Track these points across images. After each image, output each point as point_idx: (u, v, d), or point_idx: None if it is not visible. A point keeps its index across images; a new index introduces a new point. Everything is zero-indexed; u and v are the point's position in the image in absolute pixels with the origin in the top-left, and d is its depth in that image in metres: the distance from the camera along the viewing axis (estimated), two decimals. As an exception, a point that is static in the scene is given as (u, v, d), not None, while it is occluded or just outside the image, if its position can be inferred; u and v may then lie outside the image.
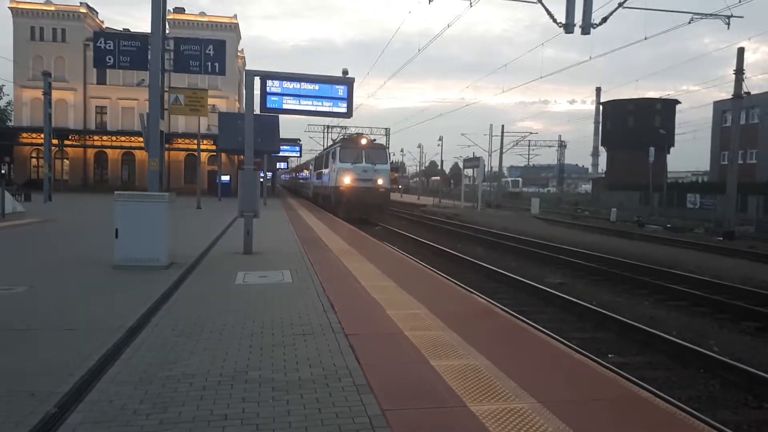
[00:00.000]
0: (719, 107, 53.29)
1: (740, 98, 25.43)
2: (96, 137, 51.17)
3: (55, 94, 37.88)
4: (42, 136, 31.55)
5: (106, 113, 54.96)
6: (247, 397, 3.89)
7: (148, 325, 5.68)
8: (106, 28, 56.26)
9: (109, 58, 19.89)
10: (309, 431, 3.40)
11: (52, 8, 53.09)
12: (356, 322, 6.01)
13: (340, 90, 11.77)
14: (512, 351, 5.16)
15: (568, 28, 14.22)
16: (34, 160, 50.66)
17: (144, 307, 6.39)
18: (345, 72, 12.10)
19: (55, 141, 37.90)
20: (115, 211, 9.11)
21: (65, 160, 51.22)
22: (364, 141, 26.55)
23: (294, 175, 68.99)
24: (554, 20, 14.48)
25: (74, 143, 50.14)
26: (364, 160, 25.47)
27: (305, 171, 51.31)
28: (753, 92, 29.37)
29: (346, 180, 25.08)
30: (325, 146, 74.96)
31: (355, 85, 11.94)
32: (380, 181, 25.62)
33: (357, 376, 4.32)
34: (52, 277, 8.40)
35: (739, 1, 15.47)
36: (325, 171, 29.29)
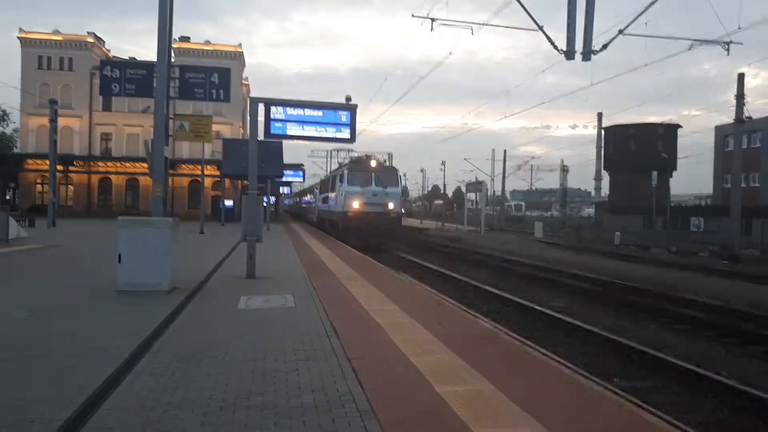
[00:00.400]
0: (721, 131, 53.52)
1: (742, 122, 25.55)
2: (101, 163, 51.57)
3: (61, 122, 38.28)
4: (47, 162, 31.79)
5: (111, 140, 55.46)
6: (249, 423, 3.84)
7: (150, 351, 5.64)
8: (113, 57, 57.06)
9: (115, 86, 20.11)
10: (311, 458, 3.34)
11: (60, 38, 53.99)
12: (359, 346, 5.96)
13: (343, 116, 11.86)
14: (517, 376, 5.10)
15: (569, 54, 14.34)
16: (38, 186, 50.98)
17: (146, 332, 6.35)
18: (348, 98, 12.22)
19: (60, 167, 38.14)
20: (118, 236, 9.13)
21: (70, 185, 51.54)
22: (373, 163, 24.89)
23: (297, 199, 67.67)
24: (555, 47, 14.63)
25: (79, 169, 50.50)
26: (373, 183, 23.85)
27: (309, 195, 50.30)
28: (754, 116, 29.50)
29: (355, 204, 23.43)
30: (329, 170, 74.74)
31: (358, 111, 12.04)
32: (391, 205, 24.00)
33: (360, 402, 4.27)
34: (54, 302, 8.38)
35: (738, 28, 15.62)
36: (332, 195, 27.65)
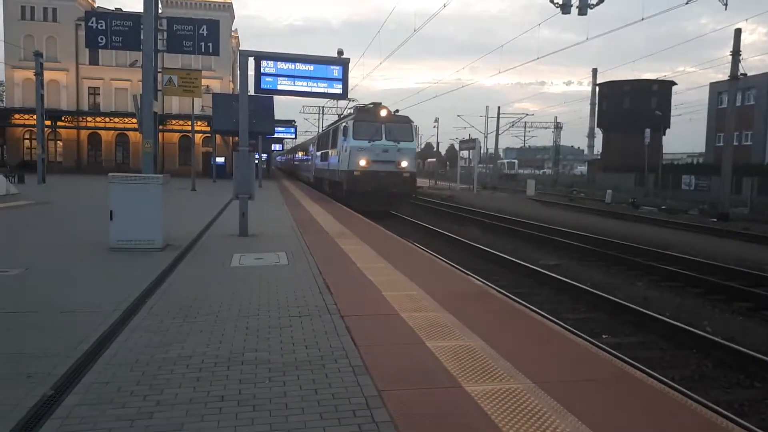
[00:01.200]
0: (715, 89, 53.22)
1: (736, 79, 25.36)
2: (89, 118, 50.76)
3: (47, 75, 37.52)
4: (34, 117, 31.26)
5: (99, 94, 54.49)
6: (243, 378, 3.91)
7: (144, 308, 5.68)
8: (98, 7, 55.45)
9: (101, 38, 19.61)
10: (305, 412, 3.42)
11: (43, -14, 52.32)
12: (352, 303, 6.03)
13: (335, 71, 11.68)
14: (507, 332, 5.19)
15: (565, 8, 14.13)
16: (27, 142, 50.28)
17: (139, 289, 6.39)
18: (340, 52, 12.01)
19: (47, 122, 37.57)
20: (109, 193, 9.07)
21: (58, 141, 50.91)
22: (384, 113, 20.79)
23: (291, 156, 62.40)
24: (551, 0, 14.35)
25: (67, 125, 49.75)
26: (384, 136, 20.33)
27: (303, 152, 46.10)
28: (749, 74, 29.32)
29: (362, 162, 20.11)
30: (321, 127, 72.57)
31: (350, 65, 11.85)
32: (404, 164, 20.48)
33: (353, 357, 4.34)
34: (47, 259, 8.38)
35: (738, -19, 15.35)
36: (333, 151, 23.98)
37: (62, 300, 5.93)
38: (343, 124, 22.08)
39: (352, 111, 22.82)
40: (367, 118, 20.77)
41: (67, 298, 6.01)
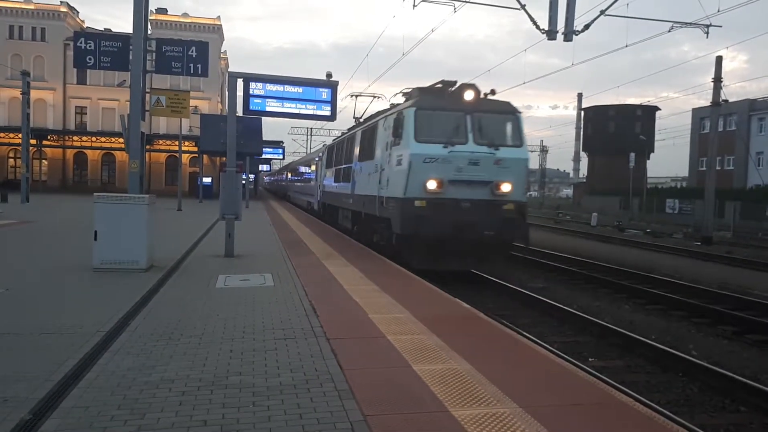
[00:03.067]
0: (698, 114, 54.25)
1: (718, 105, 25.84)
2: (75, 138, 50.53)
3: (34, 94, 37.33)
4: (20, 135, 31.05)
5: (86, 113, 54.34)
6: (227, 402, 3.85)
7: (127, 329, 5.60)
8: (87, 27, 55.63)
9: (90, 59, 19.67)
10: (289, 437, 3.37)
11: (32, 7, 52.41)
12: (338, 326, 5.99)
13: (324, 93, 11.76)
14: (494, 355, 5.17)
15: (551, 34, 14.32)
16: (11, 161, 49.89)
17: (122, 310, 6.30)
18: (329, 75, 12.10)
19: (33, 141, 37.29)
20: (94, 212, 8.99)
21: (43, 160, 50.47)
22: (470, 94, 11.88)
23: (285, 176, 50.98)
24: (537, 27, 14.59)
25: (53, 143, 49.47)
26: (471, 137, 11.58)
27: (295, 172, 39.12)
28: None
29: (430, 184, 11.30)
30: (309, 149, 71.18)
31: (339, 88, 11.94)
32: (506, 187, 11.61)
33: (339, 381, 4.29)
34: (29, 279, 8.25)
35: (718, 11, 15.74)
36: (362, 167, 15.10)
37: (43, 321, 5.82)
38: (391, 115, 12.79)
39: (404, 95, 13.66)
40: (439, 104, 11.98)
41: (48, 320, 5.91)
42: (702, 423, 5.38)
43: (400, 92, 13.97)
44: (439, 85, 12.68)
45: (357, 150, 16.07)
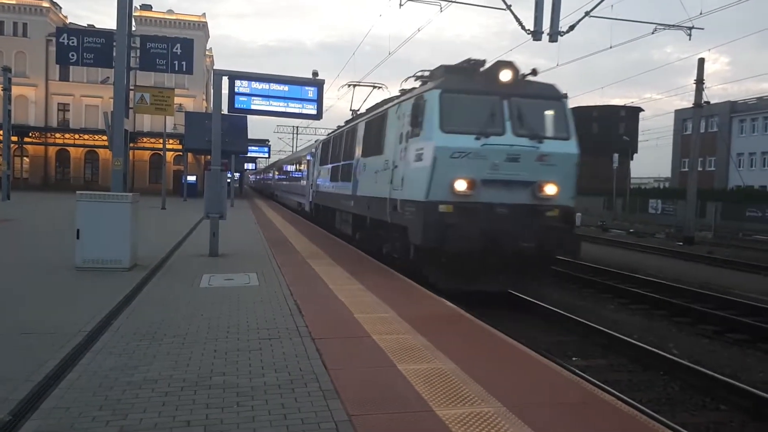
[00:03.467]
0: (680, 116, 54.95)
1: (700, 107, 26.15)
2: (58, 135, 49.93)
3: (16, 90, 36.80)
4: (0, 132, 30.59)
5: (69, 111, 53.70)
6: (210, 402, 3.82)
7: (109, 329, 5.54)
8: (70, 23, 54.91)
9: (73, 55, 19.45)
10: (274, 437, 3.35)
11: (14, 1, 51.69)
12: (324, 325, 5.97)
13: (310, 91, 11.74)
14: (479, 355, 5.19)
15: (536, 35, 14.38)
16: (-9, 158, 49.07)
17: (105, 310, 6.23)
18: (315, 73, 12.06)
19: (14, 138, 36.77)
20: (77, 211, 8.88)
21: (25, 157, 49.81)
22: (506, 74, 9.72)
23: (272, 174, 48.75)
24: (523, 27, 14.64)
25: (35, 140, 48.80)
26: (508, 127, 9.48)
27: (281, 170, 37.82)
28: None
29: (459, 185, 9.16)
30: (295, 148, 70.49)
31: (325, 86, 11.92)
32: (551, 189, 9.61)
33: (324, 381, 4.29)
34: (8, 278, 8.14)
35: (701, 13, 15.94)
36: (366, 164, 13.07)
37: (23, 321, 5.74)
38: (408, 101, 10.62)
39: (420, 78, 11.63)
40: (470, 86, 9.90)
41: (28, 320, 5.83)
42: (683, 421, 5.45)
43: (413, 76, 11.77)
44: (471, 61, 10.58)
45: (360, 144, 13.93)
